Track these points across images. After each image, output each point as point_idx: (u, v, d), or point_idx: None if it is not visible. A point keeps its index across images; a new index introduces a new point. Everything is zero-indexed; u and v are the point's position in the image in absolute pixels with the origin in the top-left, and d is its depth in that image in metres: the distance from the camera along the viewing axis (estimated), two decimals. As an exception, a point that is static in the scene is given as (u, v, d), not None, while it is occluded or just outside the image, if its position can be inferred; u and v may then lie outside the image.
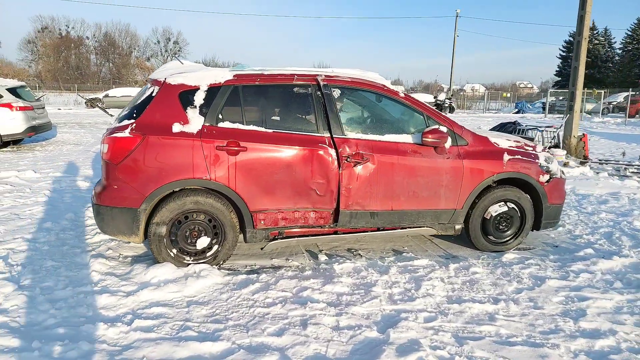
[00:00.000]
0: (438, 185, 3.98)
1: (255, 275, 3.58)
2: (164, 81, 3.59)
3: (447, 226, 4.16)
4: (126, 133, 3.42)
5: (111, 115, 4.40)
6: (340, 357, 2.52)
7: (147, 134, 3.42)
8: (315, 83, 3.78)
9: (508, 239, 4.36)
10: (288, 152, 3.61)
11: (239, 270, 3.77)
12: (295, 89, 3.75)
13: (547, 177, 4.22)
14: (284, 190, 3.66)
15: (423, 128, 3.91)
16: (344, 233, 4.01)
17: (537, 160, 4.21)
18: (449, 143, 3.95)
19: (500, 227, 4.34)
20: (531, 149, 4.30)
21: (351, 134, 3.79)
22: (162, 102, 3.51)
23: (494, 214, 4.26)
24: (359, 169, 3.75)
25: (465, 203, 4.10)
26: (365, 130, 3.88)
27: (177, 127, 3.46)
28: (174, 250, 3.61)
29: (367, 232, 4.04)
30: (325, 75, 3.85)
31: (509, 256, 4.10)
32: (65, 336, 2.60)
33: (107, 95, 27.23)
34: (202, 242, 3.63)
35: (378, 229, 4.05)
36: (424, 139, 3.80)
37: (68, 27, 73.68)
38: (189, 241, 3.62)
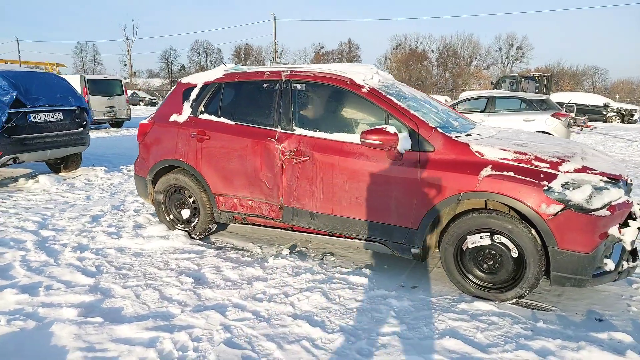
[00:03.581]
0: (387, 196, 3.54)
1: (211, 250, 4.28)
2: (179, 81, 4.74)
3: (403, 247, 3.59)
4: (146, 120, 4.79)
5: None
6: (157, 310, 3.09)
7: (155, 122, 4.67)
8: (279, 79, 4.09)
9: (500, 285, 3.34)
10: (243, 144, 4.10)
11: (210, 243, 4.53)
12: (265, 85, 4.16)
13: (556, 207, 3.00)
14: (240, 179, 4.17)
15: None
16: (299, 231, 4.11)
17: (543, 182, 3.05)
18: (403, 147, 3.46)
19: (485, 266, 3.38)
20: (546, 165, 3.12)
21: (299, 130, 3.90)
22: (172, 98, 4.67)
23: (470, 247, 3.38)
24: (298, 165, 3.84)
25: (421, 223, 3.45)
26: (314, 127, 3.88)
27: (173, 117, 4.55)
28: (170, 216, 4.73)
29: (320, 234, 4.01)
30: (291, 71, 4.08)
31: (481, 306, 3.20)
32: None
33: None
34: (185, 213, 4.61)
35: (329, 234, 3.95)
36: (361, 139, 3.50)
37: (417, 43, 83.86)
38: (178, 211, 4.68)
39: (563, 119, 10.29)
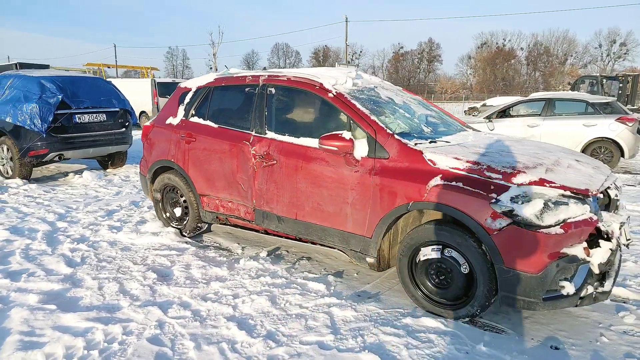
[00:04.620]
0: (343, 202, 3.51)
1: (194, 248, 4.48)
2: (178, 85, 5.00)
3: (359, 256, 3.52)
4: (148, 123, 5.10)
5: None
6: (109, 302, 3.34)
7: (155, 124, 4.97)
8: (258, 83, 4.19)
9: (453, 302, 3.18)
10: (222, 146, 4.25)
11: (198, 241, 4.73)
12: (246, 90, 4.28)
13: (502, 222, 2.80)
14: (220, 181, 4.32)
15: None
16: (274, 235, 4.17)
17: (492, 195, 2.86)
18: (359, 153, 3.41)
19: (436, 280, 3.23)
20: (498, 176, 2.91)
21: (270, 134, 3.97)
22: (170, 101, 4.94)
23: (422, 259, 3.25)
24: (268, 169, 3.91)
25: (375, 232, 3.38)
26: (283, 131, 3.91)
27: (169, 120, 4.81)
28: (167, 214, 5.01)
29: (289, 238, 4.04)
30: (268, 75, 4.16)
31: (427, 322, 3.08)
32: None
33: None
34: (177, 211, 4.86)
35: (297, 239, 3.97)
36: (319, 144, 3.50)
37: (505, 41, 79.93)
38: (172, 209, 4.94)
39: (630, 124, 9.36)
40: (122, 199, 6.38)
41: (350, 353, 2.72)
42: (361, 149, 3.41)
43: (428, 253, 3.21)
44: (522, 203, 2.79)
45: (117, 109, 8.17)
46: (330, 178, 3.56)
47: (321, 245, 3.80)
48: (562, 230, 2.74)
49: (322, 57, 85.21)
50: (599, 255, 2.87)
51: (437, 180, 3.06)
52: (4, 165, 7.62)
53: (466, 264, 3.06)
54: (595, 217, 2.85)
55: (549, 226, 2.75)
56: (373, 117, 3.50)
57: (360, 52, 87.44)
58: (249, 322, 3.08)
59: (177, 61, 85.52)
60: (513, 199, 2.82)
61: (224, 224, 4.55)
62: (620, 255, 3.54)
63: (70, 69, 33.60)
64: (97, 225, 5.13)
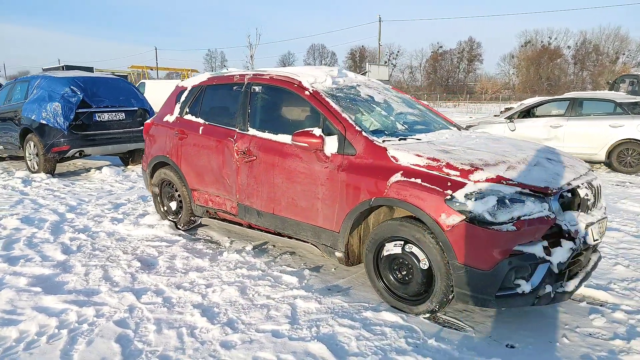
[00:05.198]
0: (315, 197, 3.60)
1: (185, 240, 4.68)
2: (177, 84, 5.22)
3: (330, 250, 3.61)
4: (149, 120, 5.35)
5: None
6: (90, 287, 3.59)
7: (154, 121, 5.21)
8: (243, 81, 4.34)
9: (415, 298, 3.22)
10: (210, 143, 4.43)
11: (191, 234, 4.93)
12: (234, 88, 4.44)
13: (455, 218, 2.82)
14: (208, 176, 4.50)
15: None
16: (257, 230, 4.30)
17: (447, 191, 2.89)
18: (330, 149, 3.50)
19: (399, 275, 3.28)
20: (456, 173, 2.93)
21: (252, 131, 4.11)
22: (169, 99, 5.16)
23: (385, 254, 3.31)
24: (248, 165, 4.05)
25: (342, 227, 3.45)
26: (264, 128, 4.04)
27: (166, 117, 5.03)
28: (164, 208, 5.24)
29: (269, 232, 4.17)
30: (253, 74, 4.30)
31: (387, 316, 3.14)
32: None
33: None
34: (173, 205, 5.08)
35: (277, 233, 4.09)
36: (292, 140, 3.61)
37: (550, 39, 77.30)
38: (168, 203, 5.16)
39: (660, 125, 8.97)
40: (132, 194, 6.70)
41: (300, 342, 2.81)
42: (331, 145, 3.50)
43: (391, 248, 3.27)
44: (476, 200, 2.81)
45: (135, 108, 8.55)
46: (303, 174, 3.67)
47: (296, 239, 3.91)
48: (514, 228, 2.75)
49: (359, 58, 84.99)
50: (559, 255, 2.85)
51: (397, 177, 3.12)
52: (31, 160, 8.13)
53: (425, 259, 3.10)
54: (553, 216, 2.83)
55: (502, 223, 2.76)
56: (344, 115, 3.58)
57: (398, 52, 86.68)
58: (214, 310, 3.23)
59: (216, 63, 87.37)
60: (467, 196, 2.84)
61: (214, 218, 4.73)
62: (599, 257, 3.50)
63: (116, 72, 35.17)
64: (102, 217, 5.43)
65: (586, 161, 9.93)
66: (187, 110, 4.86)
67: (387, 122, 3.86)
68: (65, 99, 7.61)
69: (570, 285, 2.95)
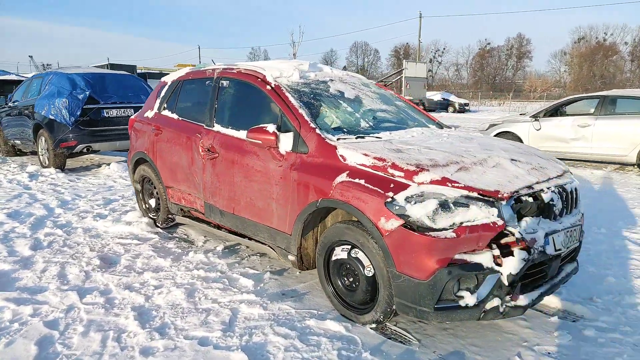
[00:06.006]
0: (270, 197, 3.44)
1: (158, 238, 4.63)
2: (161, 79, 5.17)
3: (284, 253, 3.43)
4: (133, 116, 5.33)
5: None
6: (40, 285, 3.59)
7: (137, 117, 5.19)
8: (213, 76, 4.22)
9: (362, 306, 3.00)
10: (181, 139, 4.34)
11: (169, 232, 4.86)
12: (206, 82, 4.33)
13: (394, 223, 2.59)
14: (180, 173, 4.41)
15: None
16: (227, 231, 4.16)
17: (389, 193, 2.65)
18: (284, 147, 3.32)
19: (347, 282, 3.07)
20: (400, 174, 2.69)
21: (217, 126, 3.98)
22: (151, 95, 5.12)
23: (333, 259, 3.10)
24: (212, 162, 3.94)
25: (294, 229, 3.27)
26: (228, 124, 3.89)
27: (147, 113, 4.99)
28: (146, 205, 5.21)
29: (234, 233, 4.03)
30: (223, 68, 4.17)
31: (331, 325, 2.94)
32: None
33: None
34: (152, 202, 5.04)
35: (241, 234, 3.95)
36: (246, 136, 3.46)
37: (606, 35, 73.53)
38: (148, 200, 5.13)
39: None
40: (129, 190, 6.74)
41: (224, 351, 2.66)
42: (286, 143, 3.33)
43: (339, 253, 3.07)
44: (415, 203, 2.57)
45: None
46: (259, 172, 3.51)
47: (256, 241, 3.77)
48: (454, 235, 2.49)
49: (403, 55, 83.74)
50: (510, 266, 2.57)
51: (343, 177, 2.91)
52: (42, 155, 8.36)
53: (370, 266, 2.88)
54: (501, 222, 2.55)
55: (442, 229, 2.51)
56: (301, 111, 3.39)
57: (444, 49, 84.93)
58: (152, 313, 3.12)
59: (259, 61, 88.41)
60: (408, 199, 2.60)
61: (188, 217, 4.65)
62: (575, 268, 3.18)
63: (163, 70, 36.08)
64: (88, 213, 5.47)
65: (616, 163, 9.29)
66: (165, 105, 4.80)
67: (350, 120, 3.64)
68: (72, 95, 7.77)
69: (525, 299, 2.66)
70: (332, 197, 2.93)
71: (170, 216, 4.90)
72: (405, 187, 2.64)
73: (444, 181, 2.61)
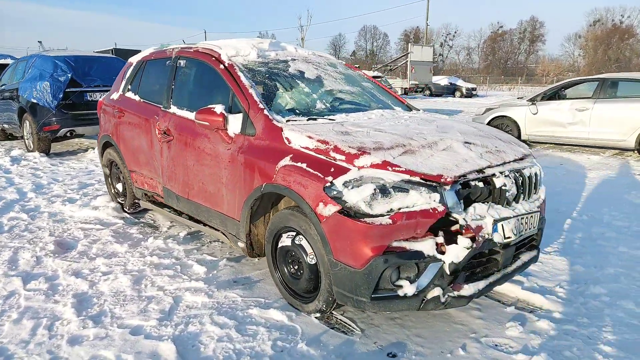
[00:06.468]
0: (220, 182, 3.31)
1: (122, 223, 4.55)
2: (129, 60, 5.04)
3: (235, 239, 3.32)
4: (101, 98, 5.22)
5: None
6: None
7: (104, 100, 5.08)
8: (172, 55, 4.08)
9: (306, 295, 2.89)
10: (140, 121, 4.22)
11: (132, 217, 4.77)
12: (166, 62, 4.19)
13: (332, 209, 2.45)
14: (141, 157, 4.30)
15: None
16: (186, 217, 4.05)
17: (328, 178, 2.52)
18: (233, 129, 3.18)
19: (292, 270, 2.96)
20: (342, 157, 2.55)
21: (173, 108, 3.85)
22: (118, 77, 4.99)
23: (279, 246, 2.98)
24: (167, 145, 3.82)
25: (241, 215, 3.15)
26: (183, 105, 3.76)
27: (112, 95, 4.88)
28: (115, 189, 5.12)
29: (192, 219, 3.92)
30: (182, 48, 4.03)
31: (274, 314, 2.84)
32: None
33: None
34: (119, 186, 4.95)
35: (200, 222, 3.83)
36: (194, 118, 3.33)
37: (622, 17, 71.74)
38: (116, 184, 5.04)
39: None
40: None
41: (154, 341, 2.56)
42: (235, 125, 3.19)
43: (284, 240, 2.94)
44: (352, 188, 2.43)
45: (129, 88, 8.51)
46: (210, 156, 3.38)
47: (210, 227, 3.66)
48: (389, 221, 2.35)
49: (413, 39, 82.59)
50: (453, 254, 2.43)
51: (286, 160, 2.77)
52: (27, 139, 8.32)
53: (313, 253, 2.76)
54: (442, 208, 2.41)
55: (378, 215, 2.37)
56: (251, 91, 3.25)
57: (455, 32, 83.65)
58: (92, 300, 3.03)
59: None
60: (346, 184, 2.45)
61: (152, 202, 4.55)
62: (534, 257, 3.03)
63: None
64: (59, 198, 5.40)
65: (614, 148, 9.01)
66: (129, 87, 4.68)
67: (305, 101, 3.49)
68: (54, 78, 7.67)
69: (470, 288, 2.52)
70: (274, 181, 2.80)
71: (136, 201, 4.81)
72: (345, 171, 2.50)
73: (384, 165, 2.46)
